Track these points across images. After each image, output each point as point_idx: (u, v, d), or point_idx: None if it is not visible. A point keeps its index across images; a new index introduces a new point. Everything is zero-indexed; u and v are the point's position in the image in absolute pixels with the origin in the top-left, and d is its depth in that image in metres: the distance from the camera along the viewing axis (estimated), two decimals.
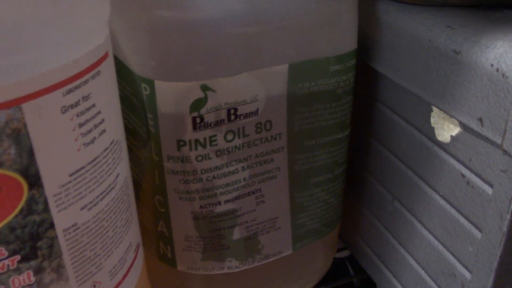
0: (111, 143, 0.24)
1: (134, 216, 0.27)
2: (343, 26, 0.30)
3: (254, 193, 0.31)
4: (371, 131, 0.36)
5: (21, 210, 0.20)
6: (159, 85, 0.26)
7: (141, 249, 0.28)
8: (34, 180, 0.20)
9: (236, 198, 0.30)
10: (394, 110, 0.33)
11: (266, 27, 0.27)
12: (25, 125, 0.19)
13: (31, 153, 0.20)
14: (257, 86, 0.28)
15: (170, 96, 0.27)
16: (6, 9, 0.18)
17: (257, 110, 0.28)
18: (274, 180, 0.31)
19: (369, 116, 0.36)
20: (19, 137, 0.19)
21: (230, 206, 0.30)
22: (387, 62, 0.32)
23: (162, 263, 0.33)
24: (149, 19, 0.26)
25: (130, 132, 0.30)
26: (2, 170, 0.19)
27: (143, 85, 0.27)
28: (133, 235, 0.27)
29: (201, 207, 0.30)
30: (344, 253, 0.45)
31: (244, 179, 0.30)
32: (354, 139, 0.36)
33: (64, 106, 0.20)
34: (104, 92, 0.23)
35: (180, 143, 0.28)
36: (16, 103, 0.19)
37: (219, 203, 0.30)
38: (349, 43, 0.31)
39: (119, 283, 0.26)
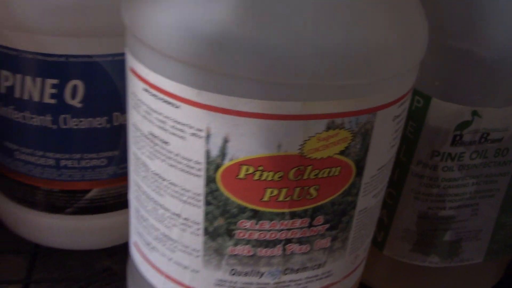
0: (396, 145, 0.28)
1: None
2: None
3: (472, 206, 0.34)
4: None
5: (344, 191, 0.25)
6: (435, 102, 0.30)
7: None
8: (359, 170, 0.24)
9: (458, 207, 0.33)
10: None
11: None
12: (372, 127, 0.23)
13: (366, 149, 0.24)
14: None
15: (440, 113, 0.30)
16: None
17: (502, 138, 0.31)
18: (491, 198, 0.34)
19: None
20: (366, 136, 0.23)
21: (451, 213, 0.34)
22: None
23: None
24: (443, 46, 0.29)
25: None
26: (348, 159, 0.24)
27: (417, 97, 0.31)
28: None
29: (429, 208, 0.33)
30: None
31: (470, 193, 0.33)
32: None
33: (395, 116, 0.25)
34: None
35: (434, 153, 0.31)
36: (374, 110, 0.23)
37: (444, 208, 0.33)
38: None
39: (364, 257, 0.31)
